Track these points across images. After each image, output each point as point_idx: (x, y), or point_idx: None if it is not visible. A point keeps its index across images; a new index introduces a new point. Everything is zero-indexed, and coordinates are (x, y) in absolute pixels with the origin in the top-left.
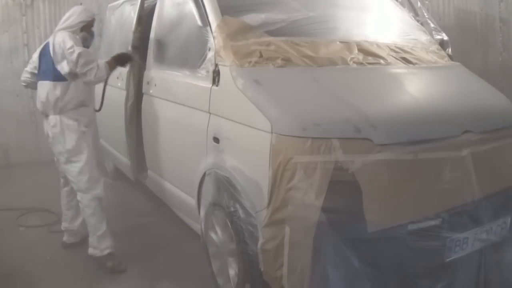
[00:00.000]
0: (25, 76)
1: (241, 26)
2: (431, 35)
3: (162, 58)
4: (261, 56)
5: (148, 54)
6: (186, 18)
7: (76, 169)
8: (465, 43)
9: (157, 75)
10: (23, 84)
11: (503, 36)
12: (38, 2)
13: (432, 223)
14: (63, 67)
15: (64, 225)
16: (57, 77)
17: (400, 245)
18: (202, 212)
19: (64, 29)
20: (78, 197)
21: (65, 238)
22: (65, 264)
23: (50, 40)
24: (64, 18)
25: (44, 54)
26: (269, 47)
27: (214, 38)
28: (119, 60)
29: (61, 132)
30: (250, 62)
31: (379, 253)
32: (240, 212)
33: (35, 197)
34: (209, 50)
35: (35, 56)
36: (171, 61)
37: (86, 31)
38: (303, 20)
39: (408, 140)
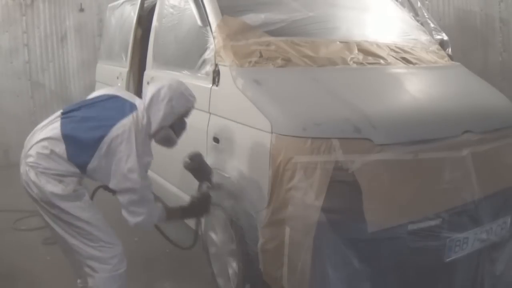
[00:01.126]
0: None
1: (241, 26)
2: (431, 35)
3: (162, 58)
4: (261, 56)
5: (148, 54)
6: (186, 18)
7: (79, 234)
8: (465, 43)
9: (157, 75)
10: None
11: (503, 36)
12: (38, 2)
13: (432, 223)
14: (104, 180)
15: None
16: (78, 157)
17: (400, 245)
18: None
19: (143, 126)
20: (89, 271)
21: None
22: (65, 264)
23: (122, 127)
24: (147, 97)
25: (97, 107)
26: (269, 47)
27: (214, 38)
28: (193, 212)
29: (41, 190)
30: (250, 62)
31: (379, 253)
32: (240, 212)
33: None
34: (209, 50)
35: (100, 95)
36: (171, 61)
37: (173, 125)
38: (303, 20)
39: (408, 140)
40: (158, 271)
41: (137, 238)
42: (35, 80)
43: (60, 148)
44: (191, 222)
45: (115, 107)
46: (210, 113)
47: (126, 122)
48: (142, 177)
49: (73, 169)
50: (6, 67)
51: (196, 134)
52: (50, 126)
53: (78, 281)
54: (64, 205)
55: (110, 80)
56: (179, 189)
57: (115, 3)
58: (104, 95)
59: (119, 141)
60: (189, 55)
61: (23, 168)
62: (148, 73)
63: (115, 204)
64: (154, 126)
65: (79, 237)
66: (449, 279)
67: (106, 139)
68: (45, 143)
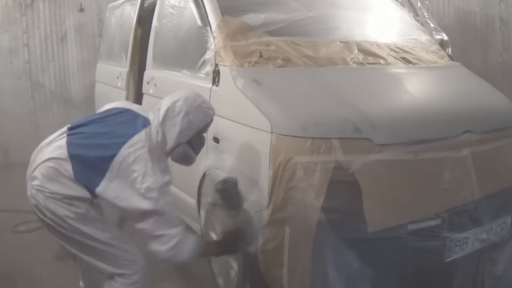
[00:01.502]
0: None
1: (241, 26)
2: (431, 35)
3: (162, 58)
4: (261, 56)
5: (148, 54)
6: (186, 18)
7: (96, 253)
8: (465, 43)
9: (157, 75)
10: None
11: (503, 36)
12: (38, 2)
13: (432, 223)
14: (117, 201)
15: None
16: (85, 178)
17: (400, 245)
18: (202, 212)
19: (158, 143)
20: (112, 283)
21: None
22: (65, 264)
23: (133, 147)
24: (161, 112)
25: (107, 122)
26: (269, 47)
27: (214, 38)
28: (230, 249)
29: (51, 212)
30: (250, 62)
31: (379, 253)
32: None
33: None
34: (209, 50)
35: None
36: (171, 61)
37: (191, 141)
38: (303, 20)
39: (408, 140)
40: (158, 271)
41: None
42: (35, 80)
43: (67, 169)
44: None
45: (127, 122)
46: None
47: (138, 139)
48: (162, 196)
49: (82, 191)
50: (6, 67)
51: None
52: (56, 144)
53: (81, 284)
54: (79, 226)
55: (110, 80)
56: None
57: (115, 3)
58: (114, 109)
59: (132, 159)
60: (189, 55)
61: (30, 191)
62: (148, 73)
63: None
64: (170, 143)
65: (97, 257)
66: (449, 279)
67: (117, 158)
68: (50, 163)
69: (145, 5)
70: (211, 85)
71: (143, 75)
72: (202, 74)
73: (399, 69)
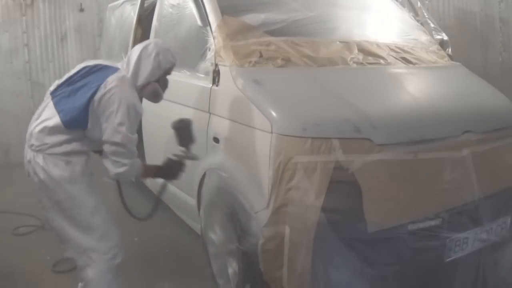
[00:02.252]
0: (54, 85)
1: (241, 26)
2: (431, 35)
3: None
4: (261, 56)
5: None
6: (186, 18)
7: (79, 224)
8: (465, 43)
9: None
10: (48, 97)
11: (503, 36)
12: (38, 2)
13: (432, 223)
14: (94, 132)
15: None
16: (73, 124)
17: (400, 245)
18: (202, 212)
19: (129, 80)
20: (87, 261)
21: None
22: (65, 265)
23: (108, 85)
24: (132, 58)
25: (82, 76)
26: (269, 47)
27: (214, 38)
28: (167, 173)
29: (47, 176)
30: (250, 62)
31: (379, 253)
32: (240, 212)
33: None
34: (209, 50)
35: (79, 69)
36: None
37: (159, 81)
38: (303, 20)
39: (408, 140)
40: (158, 271)
41: (137, 238)
42: (35, 80)
43: (58, 123)
44: (190, 221)
45: (100, 71)
46: (210, 113)
47: (112, 79)
48: (131, 131)
49: (76, 135)
50: (6, 67)
51: (196, 134)
52: (44, 111)
53: (80, 284)
54: (71, 188)
55: None
56: (179, 189)
57: (115, 3)
58: (86, 66)
59: (108, 96)
60: (189, 55)
61: (29, 155)
62: None
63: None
64: (141, 81)
65: (79, 226)
66: (449, 279)
67: (96, 97)
68: (42, 124)
69: (145, 5)
70: (211, 85)
71: None
72: (202, 74)
73: (399, 69)
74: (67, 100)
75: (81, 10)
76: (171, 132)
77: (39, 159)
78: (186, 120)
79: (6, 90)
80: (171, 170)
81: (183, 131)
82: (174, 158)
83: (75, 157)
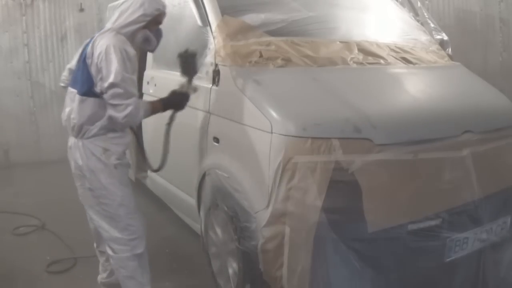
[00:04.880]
0: (64, 74)
1: (241, 26)
2: (431, 35)
3: (162, 58)
4: (261, 56)
5: (148, 54)
6: (186, 18)
7: (105, 214)
8: (465, 43)
9: (157, 75)
10: (61, 84)
11: (503, 36)
12: (38, 2)
13: (432, 223)
14: (97, 84)
15: (101, 277)
16: (87, 90)
17: (400, 245)
18: (202, 212)
19: (115, 29)
20: (109, 252)
21: None
22: (64, 265)
23: (95, 41)
24: (118, 12)
25: (82, 55)
26: (269, 47)
27: (214, 38)
28: (173, 103)
29: (84, 163)
30: (250, 62)
31: (379, 253)
32: (240, 212)
33: (35, 198)
34: (209, 50)
35: (79, 52)
36: (171, 61)
37: (150, 29)
38: (303, 20)
39: (408, 140)
40: (158, 271)
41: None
42: (35, 80)
43: (76, 96)
44: (190, 221)
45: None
46: (210, 113)
47: (97, 35)
48: (124, 70)
49: (97, 105)
50: (6, 67)
51: (196, 134)
52: (67, 98)
53: (99, 277)
54: (103, 178)
55: None
56: (179, 189)
57: (115, 3)
58: (82, 49)
59: (95, 47)
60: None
61: (70, 142)
62: (148, 73)
63: None
64: (128, 27)
65: (105, 217)
66: (449, 279)
67: (88, 55)
68: (68, 107)
69: None
70: (211, 85)
71: (143, 75)
72: (202, 74)
73: (399, 69)
74: (75, 75)
75: (81, 10)
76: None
77: (79, 145)
78: (191, 50)
79: (6, 90)
80: (177, 99)
81: (187, 61)
82: (179, 89)
83: (113, 145)
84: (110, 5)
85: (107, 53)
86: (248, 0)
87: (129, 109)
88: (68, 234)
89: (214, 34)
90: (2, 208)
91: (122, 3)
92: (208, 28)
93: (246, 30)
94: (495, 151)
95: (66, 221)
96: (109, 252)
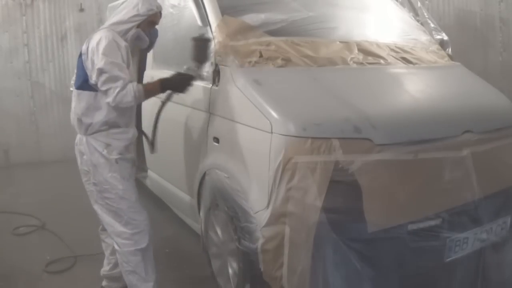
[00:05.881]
0: (73, 79)
1: (241, 26)
2: (431, 35)
3: (162, 58)
4: (261, 56)
5: (148, 54)
6: (186, 18)
7: (109, 208)
8: (465, 43)
9: (157, 75)
10: (71, 89)
11: (503, 36)
12: (38, 2)
13: (432, 223)
14: (91, 77)
15: (104, 269)
16: (82, 83)
17: (400, 245)
18: (202, 212)
19: (110, 27)
20: (115, 246)
21: (104, 284)
22: (64, 265)
23: (89, 39)
24: (117, 11)
25: (81, 54)
26: (269, 47)
27: (214, 38)
28: (173, 84)
29: (88, 158)
30: (250, 62)
31: (379, 253)
32: (240, 212)
33: (35, 198)
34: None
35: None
36: (171, 61)
37: (145, 29)
38: (303, 20)
39: (408, 140)
40: (158, 271)
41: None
42: (35, 80)
43: (78, 92)
44: (190, 221)
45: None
46: (210, 113)
47: (92, 34)
48: (114, 58)
49: (97, 100)
50: (6, 67)
51: (196, 134)
52: (73, 99)
53: (102, 269)
54: (105, 172)
55: None
56: (179, 189)
57: (115, 3)
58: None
59: (89, 42)
60: (189, 55)
61: (77, 138)
62: (148, 73)
63: None
64: (122, 26)
65: (109, 211)
66: (449, 279)
67: (83, 51)
68: (73, 104)
69: None
70: (211, 85)
71: (143, 75)
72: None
73: (399, 69)
74: (77, 76)
75: (81, 10)
76: (171, 132)
77: (84, 141)
78: (206, 37)
79: (6, 90)
80: (177, 80)
81: (200, 46)
82: (184, 72)
83: (115, 141)
84: (110, 5)
85: (98, 44)
86: (248, 0)
87: (117, 91)
88: (68, 234)
89: (214, 34)
90: (2, 208)
91: (122, 3)
92: (208, 28)
93: (246, 30)
94: (495, 151)
95: (66, 221)
96: (115, 246)
